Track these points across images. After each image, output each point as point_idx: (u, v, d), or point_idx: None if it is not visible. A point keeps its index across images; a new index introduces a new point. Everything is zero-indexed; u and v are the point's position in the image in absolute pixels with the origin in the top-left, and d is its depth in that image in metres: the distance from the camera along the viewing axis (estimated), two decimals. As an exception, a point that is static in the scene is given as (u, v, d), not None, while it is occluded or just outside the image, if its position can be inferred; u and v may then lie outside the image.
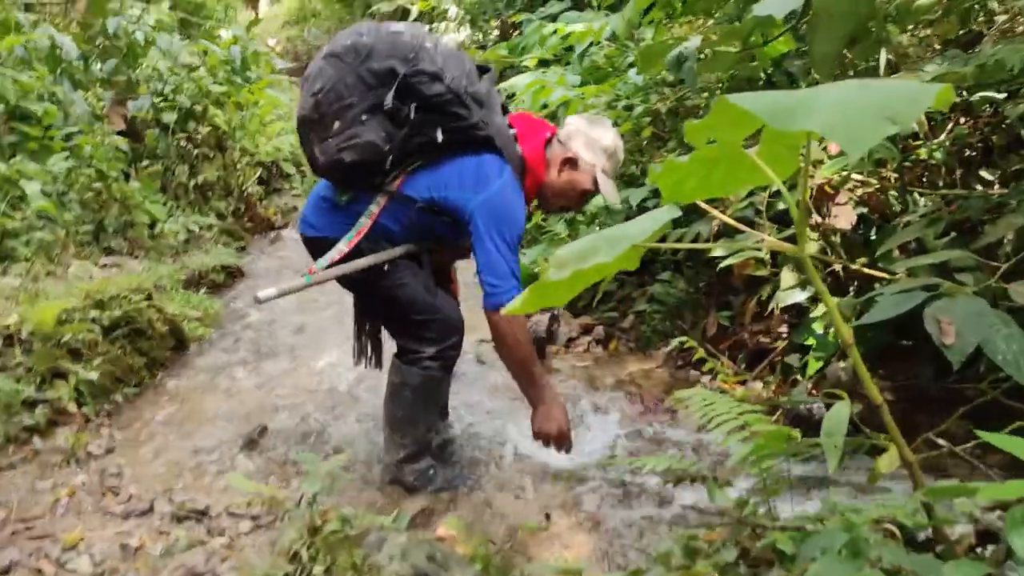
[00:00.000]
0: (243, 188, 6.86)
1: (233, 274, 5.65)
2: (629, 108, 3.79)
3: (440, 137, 2.57)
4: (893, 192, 3.25)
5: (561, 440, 2.72)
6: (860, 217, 3.23)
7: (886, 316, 2.28)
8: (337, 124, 2.53)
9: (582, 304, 4.41)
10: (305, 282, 2.61)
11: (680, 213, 1.31)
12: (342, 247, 2.63)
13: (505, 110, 2.80)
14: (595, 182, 2.74)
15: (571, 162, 2.74)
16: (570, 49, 5.39)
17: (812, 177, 2.97)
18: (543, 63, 5.43)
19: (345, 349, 4.23)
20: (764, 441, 1.83)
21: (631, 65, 4.00)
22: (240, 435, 3.31)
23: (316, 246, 2.73)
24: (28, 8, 6.10)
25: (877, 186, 3.27)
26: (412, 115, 2.53)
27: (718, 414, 2.04)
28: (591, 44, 4.75)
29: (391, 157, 2.57)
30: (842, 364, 2.80)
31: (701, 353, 2.08)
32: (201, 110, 6.28)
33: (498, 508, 2.77)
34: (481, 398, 3.64)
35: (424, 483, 2.86)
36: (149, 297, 3.83)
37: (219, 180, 6.49)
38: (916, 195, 3.21)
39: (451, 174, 2.62)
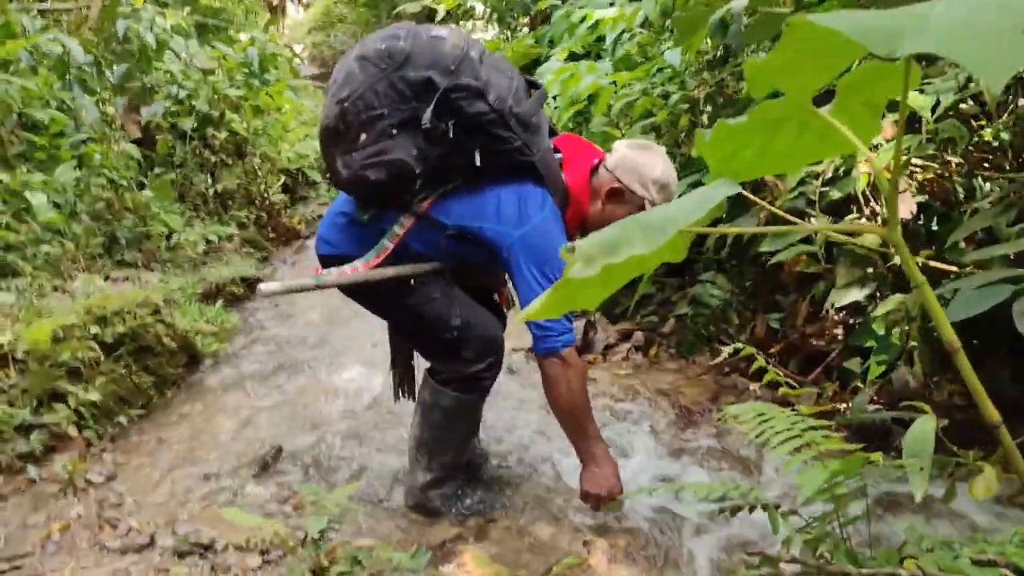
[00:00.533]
0: (265, 196, 6.66)
1: (253, 286, 5.43)
2: (665, 96, 3.50)
3: (479, 161, 2.29)
4: (957, 177, 2.93)
5: (609, 502, 2.43)
6: (920, 205, 2.91)
7: (969, 314, 1.98)
8: (364, 137, 2.25)
9: (619, 310, 4.12)
10: (315, 282, 2.36)
11: (739, 188, 1.03)
12: (358, 265, 2.37)
13: (553, 132, 2.52)
14: None
15: (617, 194, 2.45)
16: (600, 40, 5.11)
17: (868, 162, 2.64)
18: (573, 57, 5.14)
19: (369, 365, 4.05)
20: (840, 467, 1.54)
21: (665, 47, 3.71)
22: (253, 459, 3.07)
23: (332, 264, 2.47)
24: (42, 14, 5.95)
25: (939, 171, 2.95)
26: (450, 134, 2.25)
27: (777, 432, 1.74)
28: (623, 32, 4.46)
29: (421, 178, 2.30)
30: (909, 368, 2.49)
31: (760, 361, 1.78)
32: (218, 115, 6.08)
33: (531, 535, 2.51)
34: (513, 412, 3.37)
35: (450, 506, 2.61)
36: (157, 311, 3.60)
37: (239, 188, 6.29)
38: (980, 180, 2.89)
39: (488, 204, 2.36)
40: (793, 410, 1.87)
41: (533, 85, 2.46)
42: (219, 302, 4.83)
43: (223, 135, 6.15)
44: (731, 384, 3.33)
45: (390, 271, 2.39)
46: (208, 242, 5.61)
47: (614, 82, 3.56)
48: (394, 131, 2.24)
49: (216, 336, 4.24)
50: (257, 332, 4.60)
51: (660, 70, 3.59)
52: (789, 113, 1.01)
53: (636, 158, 2.46)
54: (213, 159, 6.08)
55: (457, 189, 2.37)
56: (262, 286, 2.30)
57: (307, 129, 8.20)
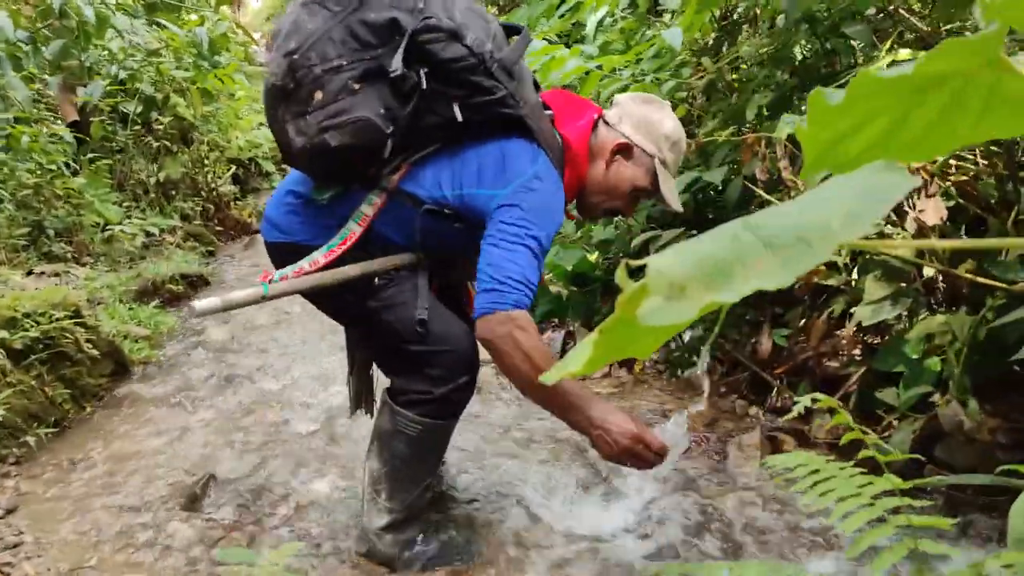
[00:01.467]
0: (213, 186, 6.19)
1: (195, 283, 4.98)
2: (658, 83, 3.14)
3: (459, 115, 1.93)
4: (991, 180, 2.60)
5: (643, 452, 1.89)
6: (953, 210, 2.57)
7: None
8: (320, 95, 1.88)
9: (599, 318, 3.73)
10: (262, 293, 1.93)
11: (915, 181, 0.64)
12: (318, 258, 1.97)
13: (537, 86, 2.14)
14: (654, 178, 2.10)
15: (625, 150, 2.11)
16: (579, 25, 4.73)
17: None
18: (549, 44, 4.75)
19: (321, 374, 3.63)
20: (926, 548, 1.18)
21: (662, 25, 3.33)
22: (181, 488, 2.64)
23: (283, 254, 2.07)
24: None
25: (973, 171, 2.61)
26: (422, 85, 1.89)
27: (841, 497, 1.37)
28: (606, 16, 4.09)
29: (392, 141, 1.92)
30: (959, 402, 2.13)
31: (856, 432, 1.38)
32: (163, 98, 5.59)
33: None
34: (478, 437, 2.96)
35: (411, 555, 2.19)
36: (77, 314, 3.14)
37: (184, 177, 5.82)
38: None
39: (469, 165, 1.99)
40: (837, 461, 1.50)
41: (512, 30, 2.09)
42: (155, 302, 4.36)
43: (168, 120, 5.68)
44: (730, 408, 2.96)
45: (354, 270, 2.00)
46: (148, 235, 5.14)
47: (599, 66, 3.19)
48: (356, 85, 1.89)
49: (148, 341, 3.79)
50: (195, 336, 4.14)
51: (656, 55, 3.22)
52: (958, 71, 0.64)
53: (644, 112, 2.13)
54: (156, 145, 5.60)
55: (434, 154, 2.01)
56: (198, 303, 1.87)
57: (262, 117, 7.71)
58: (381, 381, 2.42)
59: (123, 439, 3.01)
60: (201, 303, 1.89)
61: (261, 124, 7.51)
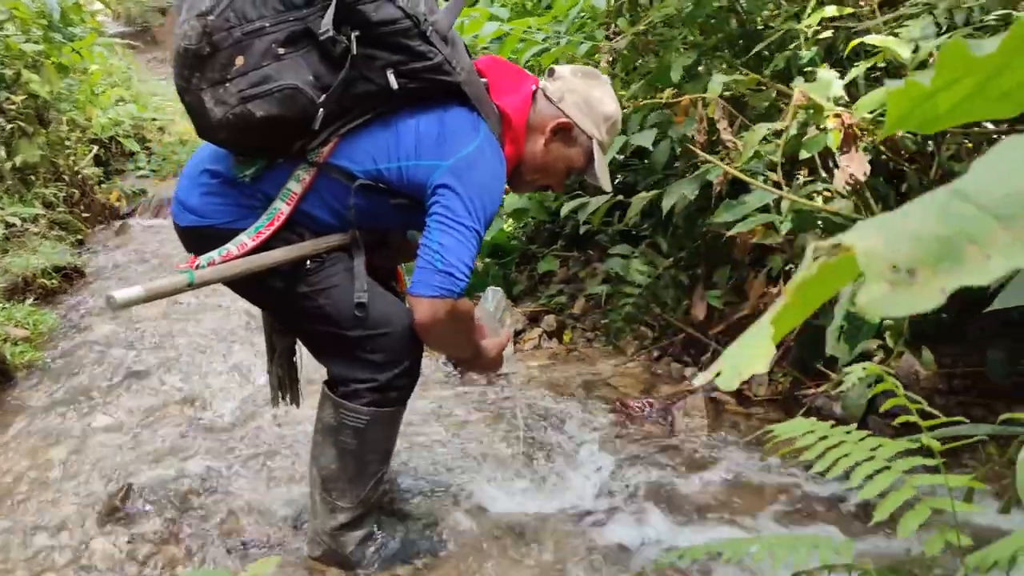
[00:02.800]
0: (76, 170, 5.70)
1: (70, 276, 4.57)
2: (575, 45, 3.06)
3: (394, 83, 1.80)
4: (908, 134, 2.66)
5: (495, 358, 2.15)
6: (873, 163, 2.63)
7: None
8: (240, 60, 1.70)
9: (520, 288, 3.66)
10: (188, 281, 1.74)
11: None
12: (245, 240, 1.80)
13: (469, 53, 2.01)
14: (590, 158, 2.04)
15: (565, 131, 2.02)
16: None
17: (840, 118, 2.31)
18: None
19: (234, 365, 3.39)
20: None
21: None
22: (95, 501, 2.41)
23: (199, 239, 1.88)
24: None
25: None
26: (353, 49, 1.75)
27: (856, 461, 1.34)
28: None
29: (323, 111, 1.77)
30: (916, 354, 2.18)
31: (901, 398, 1.31)
32: (13, 75, 5.08)
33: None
34: (417, 427, 2.84)
35: (370, 554, 2.07)
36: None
37: (44, 161, 5.31)
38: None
39: (406, 137, 1.86)
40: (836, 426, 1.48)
41: None
42: (30, 300, 3.98)
43: (20, 98, 5.15)
44: (665, 372, 2.95)
45: (285, 253, 1.84)
46: (8, 226, 4.66)
47: (511, 29, 3.08)
48: (281, 50, 1.73)
49: (30, 342, 3.44)
50: (81, 333, 3.80)
51: (580, 15, 3.13)
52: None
53: (586, 90, 2.05)
54: (9, 127, 5.08)
55: (366, 125, 1.88)
56: (115, 294, 1.65)
57: (119, 91, 7.21)
58: (307, 367, 2.28)
59: (17, 453, 2.72)
60: (120, 293, 1.68)
61: (121, 100, 7.00)
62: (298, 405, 2.36)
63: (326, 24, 1.72)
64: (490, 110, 1.94)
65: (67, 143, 5.64)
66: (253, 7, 1.70)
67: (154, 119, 7.61)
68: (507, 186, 2.18)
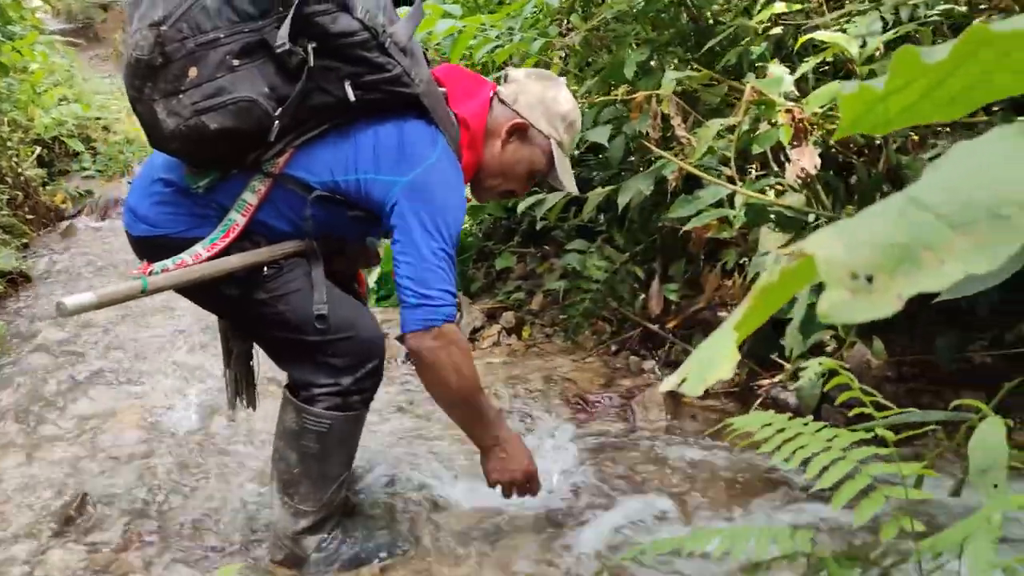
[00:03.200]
0: (19, 171, 5.57)
1: (15, 281, 4.47)
2: (528, 41, 3.07)
3: (351, 95, 1.78)
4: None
5: (528, 485, 2.04)
6: (823, 156, 2.68)
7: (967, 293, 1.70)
8: (194, 72, 1.67)
9: (477, 285, 3.66)
10: (141, 287, 1.72)
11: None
12: (200, 251, 1.78)
13: (428, 62, 2.01)
14: (550, 159, 2.03)
15: (520, 131, 2.02)
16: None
17: (791, 113, 2.35)
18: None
19: (187, 369, 3.34)
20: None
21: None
22: (50, 511, 2.36)
23: (152, 249, 1.85)
24: None
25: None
26: (310, 61, 1.73)
27: (813, 452, 1.37)
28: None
29: (279, 123, 1.75)
30: (867, 343, 2.23)
31: (856, 390, 1.34)
32: (-49, 75, 4.96)
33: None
34: (373, 423, 2.82)
35: (331, 558, 2.05)
36: None
37: (-15, 162, 5.20)
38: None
39: (364, 149, 1.85)
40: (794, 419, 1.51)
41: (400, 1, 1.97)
42: (-26, 306, 3.89)
43: (-42, 98, 5.03)
44: (623, 366, 2.98)
45: (240, 260, 1.83)
46: (-50, 230, 4.56)
47: (464, 27, 3.07)
48: (236, 62, 1.71)
49: (-25, 350, 3.36)
50: (29, 340, 3.72)
51: (534, 11, 3.14)
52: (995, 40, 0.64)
53: (540, 90, 2.06)
54: (-53, 128, 4.96)
55: (322, 137, 1.86)
56: (67, 300, 1.63)
57: (62, 90, 7.04)
58: (264, 368, 2.26)
59: (-32, 465, 2.65)
60: (71, 300, 1.65)
61: (64, 100, 6.84)
62: (255, 408, 2.34)
63: (282, 37, 1.70)
64: (448, 122, 1.93)
65: (9, 144, 5.52)
66: (207, 18, 1.68)
67: (99, 118, 7.47)
68: (470, 195, 2.19)
